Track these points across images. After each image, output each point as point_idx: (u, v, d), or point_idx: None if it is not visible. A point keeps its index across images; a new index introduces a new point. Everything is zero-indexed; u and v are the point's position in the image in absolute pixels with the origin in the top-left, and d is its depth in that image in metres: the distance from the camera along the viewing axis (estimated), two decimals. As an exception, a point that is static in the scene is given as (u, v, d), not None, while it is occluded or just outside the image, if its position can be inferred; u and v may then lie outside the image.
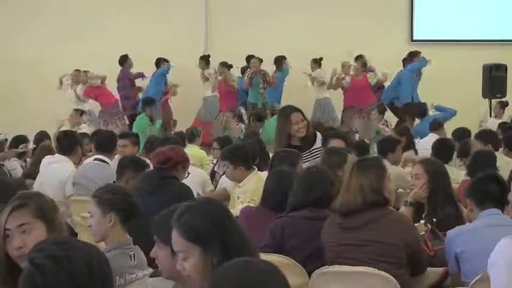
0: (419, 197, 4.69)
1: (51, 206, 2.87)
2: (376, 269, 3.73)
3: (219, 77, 12.71)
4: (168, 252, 2.83)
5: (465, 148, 7.32)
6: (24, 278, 1.96)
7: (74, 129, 9.92)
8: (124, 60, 12.87)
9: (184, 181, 5.27)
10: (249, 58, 12.94)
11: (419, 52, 12.81)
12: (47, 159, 6.76)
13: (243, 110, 12.43)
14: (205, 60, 13.14)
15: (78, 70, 12.79)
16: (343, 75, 12.82)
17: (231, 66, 12.83)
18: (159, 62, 13.01)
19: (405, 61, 12.97)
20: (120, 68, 12.88)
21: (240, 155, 5.90)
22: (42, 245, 2.00)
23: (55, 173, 6.51)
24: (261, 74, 12.52)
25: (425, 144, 8.96)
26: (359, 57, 12.78)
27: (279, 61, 12.88)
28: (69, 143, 6.72)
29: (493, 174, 4.21)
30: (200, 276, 2.50)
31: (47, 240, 2.10)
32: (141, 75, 13.05)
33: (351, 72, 12.76)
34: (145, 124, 11.26)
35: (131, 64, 12.94)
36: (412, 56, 12.80)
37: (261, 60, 12.67)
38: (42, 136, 8.81)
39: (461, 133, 8.52)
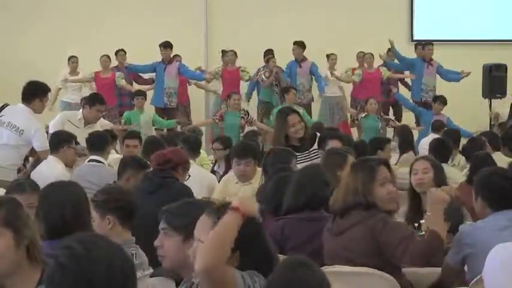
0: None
1: (21, 213, 2.65)
2: (376, 270, 3.71)
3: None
4: (178, 241, 2.83)
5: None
6: (46, 273, 2.02)
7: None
8: None
9: (190, 183, 5.23)
10: (267, 53, 12.65)
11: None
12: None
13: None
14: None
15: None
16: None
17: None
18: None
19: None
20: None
21: (257, 152, 5.90)
22: (68, 242, 2.03)
23: (41, 175, 5.91)
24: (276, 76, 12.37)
25: (424, 145, 8.96)
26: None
27: None
28: (55, 142, 6.46)
29: None
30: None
31: (76, 235, 2.10)
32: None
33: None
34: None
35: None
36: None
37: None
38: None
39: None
